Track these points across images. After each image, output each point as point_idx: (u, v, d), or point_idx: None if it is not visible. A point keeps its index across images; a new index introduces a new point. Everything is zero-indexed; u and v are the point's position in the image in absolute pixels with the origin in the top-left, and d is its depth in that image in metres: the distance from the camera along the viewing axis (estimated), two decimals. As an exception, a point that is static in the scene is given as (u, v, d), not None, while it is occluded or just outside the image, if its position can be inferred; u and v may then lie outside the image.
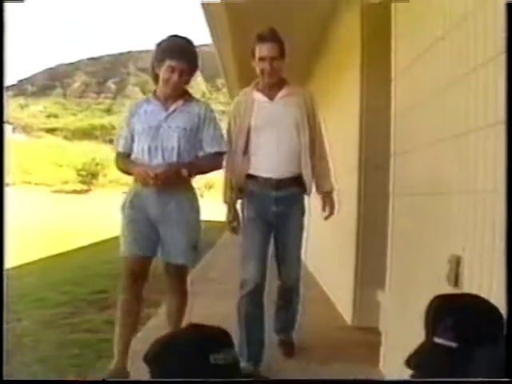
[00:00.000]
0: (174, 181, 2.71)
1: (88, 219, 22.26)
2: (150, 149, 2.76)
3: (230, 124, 3.15)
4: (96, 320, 4.23)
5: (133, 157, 2.87)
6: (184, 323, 2.77)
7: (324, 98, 5.50)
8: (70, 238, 13.22)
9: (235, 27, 5.35)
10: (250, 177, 3.08)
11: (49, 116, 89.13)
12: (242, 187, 3.12)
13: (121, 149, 2.91)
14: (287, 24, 4.26)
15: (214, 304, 4.49)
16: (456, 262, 1.82)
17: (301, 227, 3.23)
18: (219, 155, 2.93)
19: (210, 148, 2.87)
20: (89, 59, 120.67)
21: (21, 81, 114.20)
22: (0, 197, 1.94)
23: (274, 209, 3.05)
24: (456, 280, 1.83)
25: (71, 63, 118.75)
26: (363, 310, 3.96)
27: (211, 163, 2.91)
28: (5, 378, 1.76)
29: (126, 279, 2.81)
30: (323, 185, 3.25)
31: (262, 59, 2.96)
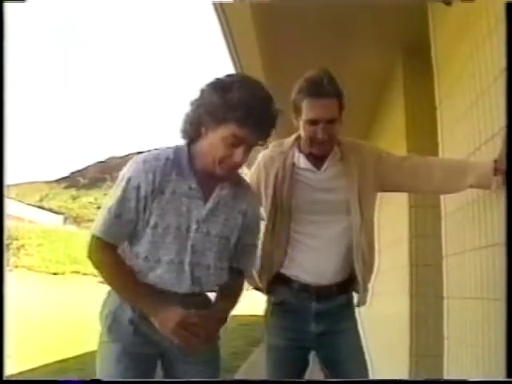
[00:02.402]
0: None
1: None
2: (172, 262, 1.73)
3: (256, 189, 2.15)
4: None
5: (132, 264, 1.77)
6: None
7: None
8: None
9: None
10: (281, 278, 2.14)
11: (99, 207, 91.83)
12: (270, 290, 2.18)
13: (111, 239, 1.74)
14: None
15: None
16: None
17: (359, 351, 2.20)
18: (243, 275, 1.99)
19: (242, 264, 1.94)
20: (138, 153, 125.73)
21: (73, 173, 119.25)
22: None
23: (313, 328, 2.11)
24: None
25: (121, 157, 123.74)
26: (419, 417, 3.72)
27: (240, 291, 1.96)
28: (5, 378, 1.70)
29: None
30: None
31: (313, 122, 2.00)
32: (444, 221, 2.81)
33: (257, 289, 2.23)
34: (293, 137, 2.22)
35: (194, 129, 1.76)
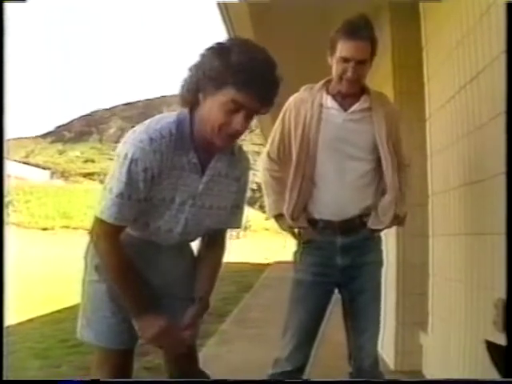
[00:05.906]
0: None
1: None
2: (159, 229, 1.75)
3: (283, 129, 2.30)
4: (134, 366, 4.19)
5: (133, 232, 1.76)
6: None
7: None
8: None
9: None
10: (306, 219, 2.25)
11: (86, 161, 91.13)
12: (298, 230, 2.28)
13: (123, 222, 1.66)
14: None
15: (251, 350, 4.43)
16: (503, 307, 1.76)
17: (378, 284, 2.29)
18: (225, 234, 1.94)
19: (229, 223, 1.90)
20: (124, 104, 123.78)
21: (58, 127, 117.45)
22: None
23: (339, 261, 2.19)
24: (504, 326, 1.76)
25: (107, 109, 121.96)
26: (406, 354, 3.84)
27: (223, 251, 1.93)
28: (5, 378, 1.72)
29: (103, 374, 1.81)
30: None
31: (345, 60, 2.11)
32: (430, 159, 2.84)
33: (289, 228, 2.33)
34: (322, 81, 2.29)
35: (192, 95, 1.65)
